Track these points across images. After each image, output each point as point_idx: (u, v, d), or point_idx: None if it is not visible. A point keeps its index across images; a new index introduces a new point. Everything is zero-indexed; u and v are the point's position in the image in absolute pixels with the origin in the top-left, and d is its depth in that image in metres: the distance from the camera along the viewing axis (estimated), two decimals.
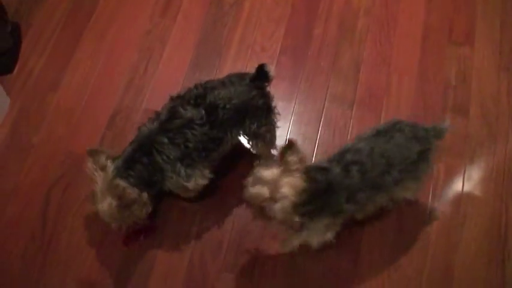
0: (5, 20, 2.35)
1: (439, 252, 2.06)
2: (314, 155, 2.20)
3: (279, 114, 1.99)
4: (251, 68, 2.33)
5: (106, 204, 1.78)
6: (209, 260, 2.04)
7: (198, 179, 1.91)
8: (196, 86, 1.88)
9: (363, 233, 2.07)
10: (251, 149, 2.08)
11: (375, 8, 2.55)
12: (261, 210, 1.68)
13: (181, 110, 1.81)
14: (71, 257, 2.04)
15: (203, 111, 1.81)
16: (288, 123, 2.28)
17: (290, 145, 1.65)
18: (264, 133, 1.97)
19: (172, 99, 1.88)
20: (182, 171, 1.85)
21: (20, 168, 2.19)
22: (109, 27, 2.50)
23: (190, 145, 1.82)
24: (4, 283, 1.99)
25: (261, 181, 1.65)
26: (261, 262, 2.03)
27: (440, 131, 1.84)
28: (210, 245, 2.06)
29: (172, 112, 1.82)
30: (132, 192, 1.79)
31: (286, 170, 1.65)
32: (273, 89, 2.30)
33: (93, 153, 1.83)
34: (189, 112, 1.81)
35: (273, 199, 1.63)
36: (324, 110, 2.30)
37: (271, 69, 1.86)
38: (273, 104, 1.95)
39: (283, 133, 2.24)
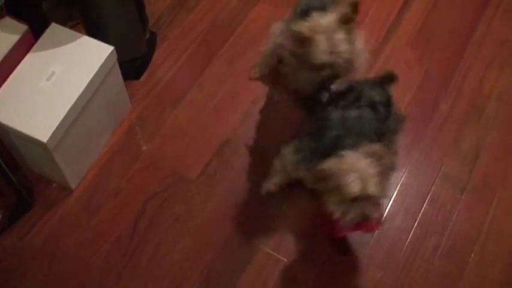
0: (144, 28, 2.45)
1: None
2: (412, 232, 2.12)
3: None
4: None
5: None
6: None
7: None
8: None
9: None
10: None
11: (508, 95, 2.44)
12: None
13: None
14: (150, 270, 2.06)
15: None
16: (393, 193, 2.20)
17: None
18: None
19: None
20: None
21: (125, 172, 2.26)
22: (240, 56, 2.54)
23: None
24: (81, 281, 2.05)
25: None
26: None
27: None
28: None
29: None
30: None
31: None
32: None
33: None
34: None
35: None
36: (433, 187, 2.21)
37: None
38: None
39: (385, 202, 2.18)
